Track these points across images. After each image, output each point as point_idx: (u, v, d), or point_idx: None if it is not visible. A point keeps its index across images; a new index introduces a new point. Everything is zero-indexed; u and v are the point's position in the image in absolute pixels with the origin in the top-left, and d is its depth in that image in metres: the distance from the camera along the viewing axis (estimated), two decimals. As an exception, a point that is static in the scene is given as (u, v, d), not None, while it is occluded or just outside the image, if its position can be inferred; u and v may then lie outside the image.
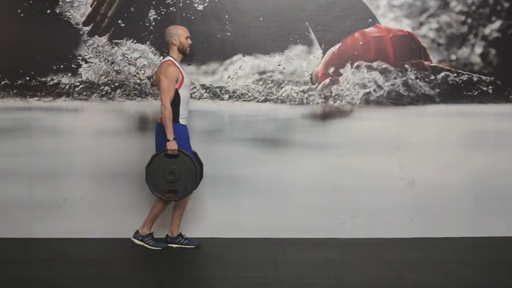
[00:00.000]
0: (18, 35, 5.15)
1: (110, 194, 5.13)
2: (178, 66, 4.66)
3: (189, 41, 4.73)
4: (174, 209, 4.83)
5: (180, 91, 4.62)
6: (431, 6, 5.15)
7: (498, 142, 5.17)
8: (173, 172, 4.56)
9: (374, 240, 5.02)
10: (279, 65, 5.14)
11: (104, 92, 5.17)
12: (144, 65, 5.15)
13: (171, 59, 4.67)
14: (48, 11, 5.14)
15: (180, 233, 4.87)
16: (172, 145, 4.52)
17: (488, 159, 5.14)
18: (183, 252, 4.74)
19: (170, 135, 4.53)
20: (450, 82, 5.16)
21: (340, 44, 5.14)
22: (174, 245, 4.83)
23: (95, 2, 5.14)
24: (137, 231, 4.84)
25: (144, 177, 4.59)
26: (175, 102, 4.60)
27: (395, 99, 5.15)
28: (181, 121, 4.66)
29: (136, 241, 4.82)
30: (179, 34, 4.69)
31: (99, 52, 5.15)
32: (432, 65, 5.15)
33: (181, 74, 4.64)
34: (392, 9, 5.15)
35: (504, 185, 5.16)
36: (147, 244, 4.79)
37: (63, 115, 5.16)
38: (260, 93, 5.15)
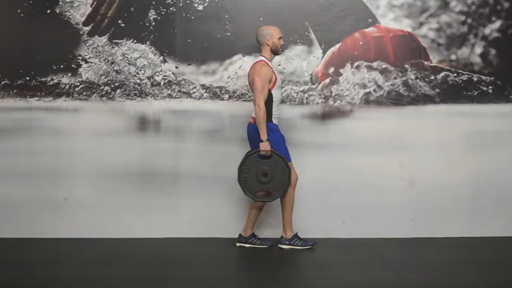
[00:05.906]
0: (18, 35, 5.15)
1: (110, 194, 5.12)
2: (272, 66, 4.66)
3: (282, 42, 4.73)
4: (251, 209, 4.82)
5: (272, 91, 4.62)
6: (431, 6, 5.15)
7: (498, 142, 5.17)
8: (266, 173, 4.55)
9: (374, 240, 5.02)
10: (279, 65, 5.13)
11: (104, 92, 5.16)
12: (144, 65, 5.15)
13: (264, 59, 4.67)
14: (48, 11, 5.14)
15: (253, 233, 4.85)
16: (265, 146, 4.52)
17: (488, 159, 5.14)
18: (181, 253, 4.74)
19: (264, 135, 4.52)
20: (450, 82, 5.16)
21: (340, 44, 5.13)
22: (247, 245, 4.82)
23: (95, 2, 5.14)
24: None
25: (237, 177, 4.59)
26: (268, 102, 4.59)
27: (395, 99, 5.15)
28: (274, 121, 4.66)
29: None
30: (272, 34, 4.69)
31: (99, 52, 5.15)
32: (432, 65, 5.15)
33: (275, 74, 4.65)
34: (392, 9, 5.15)
35: (504, 185, 5.16)
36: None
37: (63, 115, 5.16)
38: (260, 93, 5.14)
